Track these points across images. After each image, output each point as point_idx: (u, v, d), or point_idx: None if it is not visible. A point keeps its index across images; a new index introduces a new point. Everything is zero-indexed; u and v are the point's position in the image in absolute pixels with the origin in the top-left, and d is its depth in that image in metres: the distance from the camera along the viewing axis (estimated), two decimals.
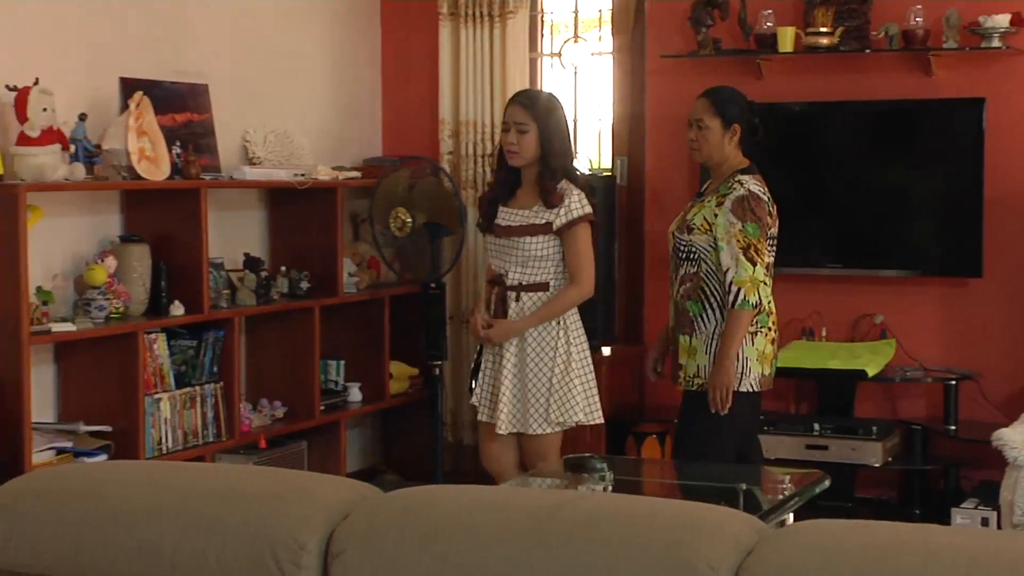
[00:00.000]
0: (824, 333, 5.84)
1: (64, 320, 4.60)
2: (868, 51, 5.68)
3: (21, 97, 4.42)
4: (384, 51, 6.49)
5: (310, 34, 6.07)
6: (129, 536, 2.27)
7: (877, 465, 5.43)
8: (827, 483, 4.18)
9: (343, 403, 5.79)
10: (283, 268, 5.61)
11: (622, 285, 6.10)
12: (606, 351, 5.86)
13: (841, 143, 5.86)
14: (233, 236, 5.54)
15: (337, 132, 6.22)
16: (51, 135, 4.47)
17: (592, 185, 4.86)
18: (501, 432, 4.61)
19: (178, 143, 5.13)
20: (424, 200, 5.38)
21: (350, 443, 5.84)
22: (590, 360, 4.65)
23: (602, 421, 4.72)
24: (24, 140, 4.44)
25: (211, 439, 5.14)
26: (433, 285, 5.41)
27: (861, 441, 5.43)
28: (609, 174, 6.10)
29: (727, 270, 4.38)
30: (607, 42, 6.30)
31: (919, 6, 5.58)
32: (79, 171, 4.58)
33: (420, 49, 6.37)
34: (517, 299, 4.57)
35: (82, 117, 4.67)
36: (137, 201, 5.07)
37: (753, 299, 4.37)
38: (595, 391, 4.65)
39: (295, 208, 5.68)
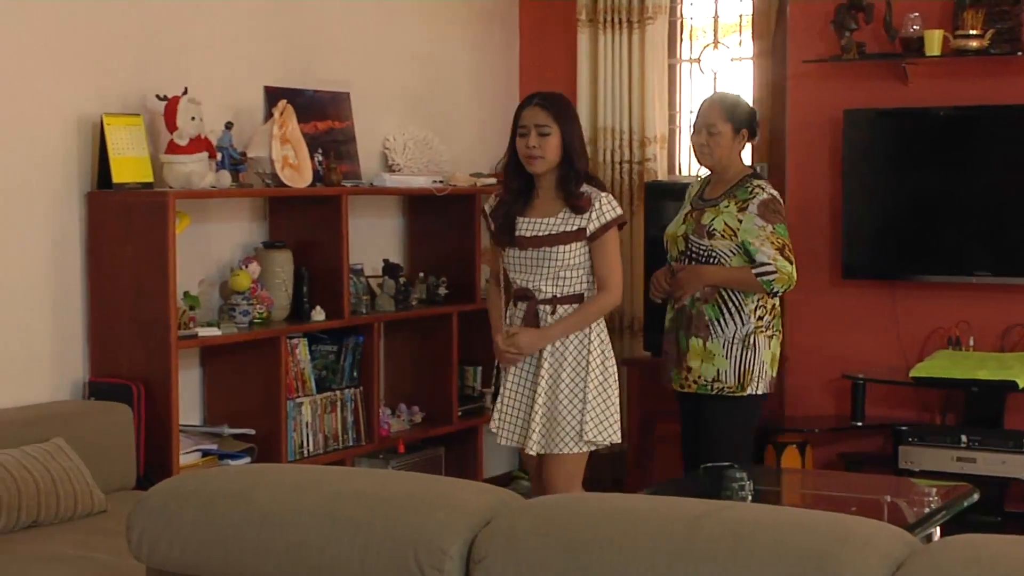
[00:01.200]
0: (971, 343, 5.69)
1: (210, 325, 4.70)
2: (1020, 54, 5.53)
3: (171, 106, 4.53)
4: (522, 58, 6.51)
5: (449, 42, 6.11)
6: (277, 537, 2.30)
7: None
8: (975, 497, 4.07)
9: (480, 409, 5.81)
10: (421, 274, 5.66)
11: None
12: None
13: (990, 148, 5.71)
14: (373, 242, 5.60)
15: (475, 138, 6.25)
16: (199, 143, 4.57)
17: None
18: (531, 453, 4.23)
19: (320, 151, 5.21)
20: None
21: (487, 448, 5.86)
22: (617, 374, 4.34)
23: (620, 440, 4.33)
24: (173, 148, 4.54)
25: (351, 443, 5.20)
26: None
27: (1011, 454, 5.28)
28: None
29: (766, 262, 4.45)
30: (747, 47, 6.23)
31: None
32: (225, 179, 4.67)
33: (558, 56, 6.37)
34: (553, 312, 4.21)
35: (228, 126, 4.76)
36: (280, 208, 5.15)
37: (778, 289, 4.45)
38: (618, 408, 4.30)
39: (434, 214, 5.73)
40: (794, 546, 2.08)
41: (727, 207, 4.52)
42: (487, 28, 6.33)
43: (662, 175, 6.18)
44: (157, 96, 4.56)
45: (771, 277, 4.44)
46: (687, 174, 6.29)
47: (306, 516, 2.33)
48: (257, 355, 4.83)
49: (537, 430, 4.20)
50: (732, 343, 4.50)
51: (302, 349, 5.03)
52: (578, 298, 4.22)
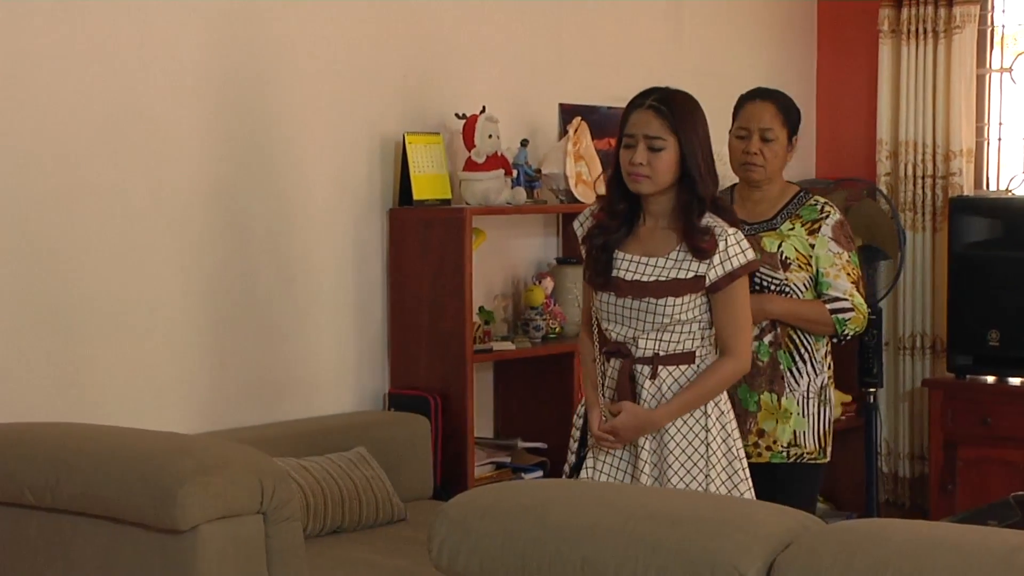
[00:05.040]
0: None
1: (504, 339, 4.77)
2: None
3: (469, 125, 4.62)
4: (819, 72, 6.37)
5: (743, 56, 6.03)
6: (572, 553, 2.31)
7: None
8: None
9: None
10: None
11: None
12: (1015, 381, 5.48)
13: None
14: None
15: None
16: (495, 161, 4.65)
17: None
18: None
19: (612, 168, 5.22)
20: (860, 223, 5.23)
21: None
22: (745, 459, 3.38)
23: None
24: (471, 166, 4.63)
25: None
26: (869, 309, 5.24)
27: None
28: None
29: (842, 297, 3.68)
30: None
31: None
32: (520, 195, 4.74)
33: (857, 68, 6.20)
34: (653, 376, 3.29)
35: (524, 143, 4.83)
36: None
37: (850, 331, 3.68)
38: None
39: None
40: None
41: (792, 230, 3.71)
42: (782, 41, 6.22)
43: (968, 190, 5.93)
44: (456, 115, 4.67)
45: (847, 316, 3.66)
46: (994, 189, 6.01)
47: (601, 533, 2.32)
48: (549, 370, 4.86)
49: None
50: (808, 398, 3.70)
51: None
52: (687, 358, 3.31)
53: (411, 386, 4.58)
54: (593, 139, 5.02)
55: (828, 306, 3.66)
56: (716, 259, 3.25)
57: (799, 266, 3.68)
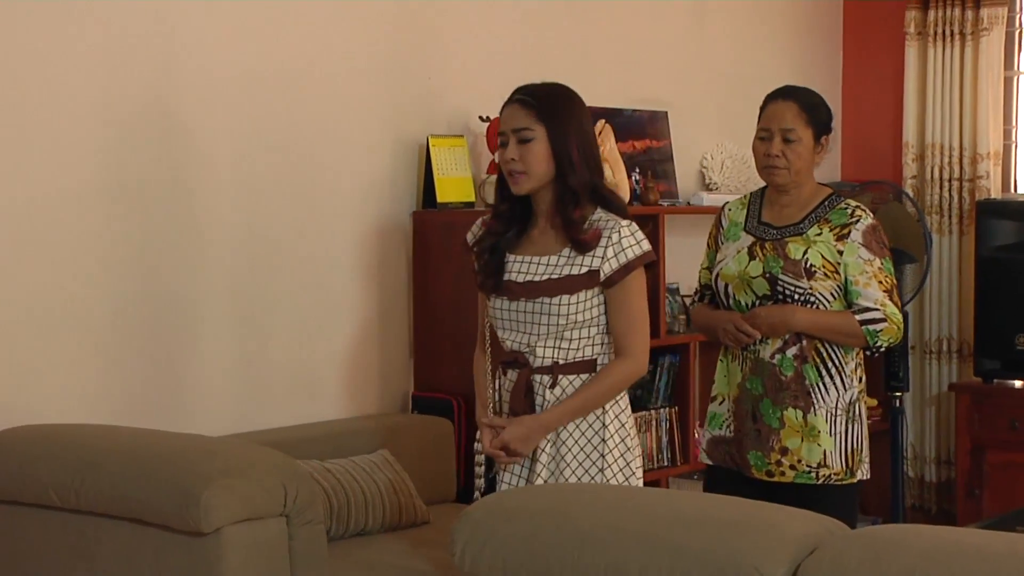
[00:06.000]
0: None
1: None
2: None
3: (492, 127, 4.61)
4: (845, 74, 6.34)
5: (768, 59, 6.01)
6: (596, 557, 2.30)
7: None
8: None
9: None
10: None
11: None
12: None
13: None
14: (689, 261, 5.54)
15: None
16: None
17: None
18: None
19: (637, 169, 5.21)
20: (886, 226, 5.18)
21: None
22: (641, 468, 3.25)
23: None
24: (495, 168, 4.62)
25: (666, 463, 5.17)
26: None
27: None
28: None
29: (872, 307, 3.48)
30: None
31: None
32: None
33: (883, 70, 6.18)
34: (553, 386, 3.14)
35: None
36: None
37: (883, 343, 3.48)
38: None
39: None
40: None
41: (819, 235, 3.53)
42: (808, 43, 6.20)
43: (995, 192, 5.89)
44: (480, 117, 4.66)
45: (878, 327, 3.46)
46: (1022, 192, 5.98)
47: (625, 537, 2.31)
48: None
49: None
50: (836, 415, 3.51)
51: None
52: (588, 366, 3.15)
53: (435, 388, 4.57)
54: (617, 142, 5.01)
55: (858, 317, 3.47)
56: (610, 251, 3.12)
57: (825, 274, 3.50)
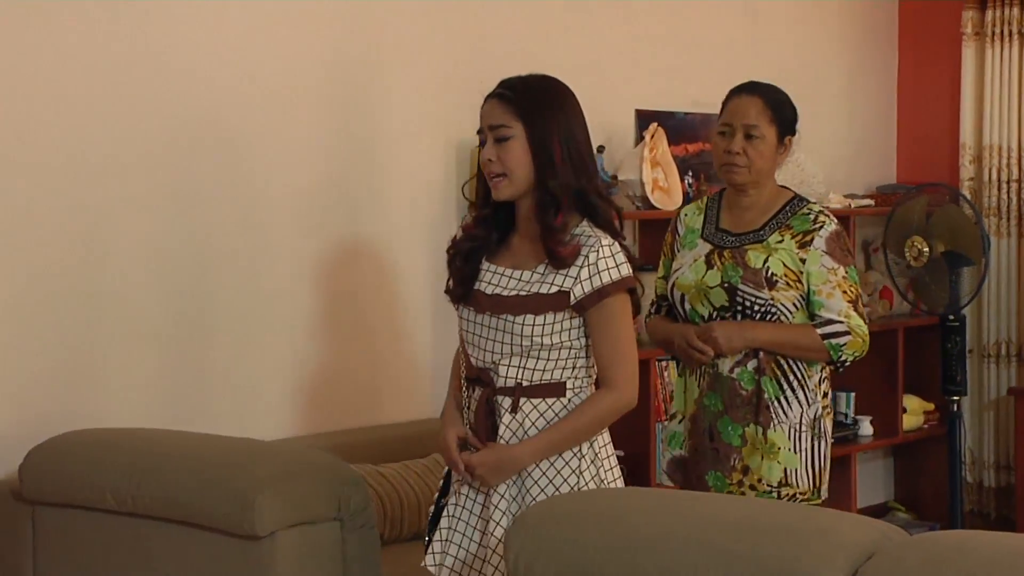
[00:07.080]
0: None
1: None
2: None
3: None
4: (901, 75, 6.28)
5: (822, 61, 5.97)
6: (648, 562, 2.28)
7: None
8: None
9: (854, 436, 5.62)
10: None
11: None
12: None
13: None
14: None
15: (849, 159, 6.07)
16: None
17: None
18: None
19: (690, 173, 5.19)
20: (943, 228, 5.17)
21: (860, 478, 5.65)
22: None
23: None
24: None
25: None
26: (952, 316, 5.17)
27: None
28: None
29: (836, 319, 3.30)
30: None
31: None
32: None
33: (940, 72, 6.11)
34: (513, 409, 2.82)
35: (600, 149, 4.80)
36: (651, 230, 5.14)
37: (847, 357, 3.29)
38: None
39: None
40: None
41: (780, 243, 3.32)
42: (862, 43, 6.14)
43: None
44: None
45: (842, 341, 3.28)
46: None
47: (678, 543, 2.29)
48: None
49: None
50: (800, 431, 3.31)
51: (671, 371, 5.00)
52: (556, 390, 2.83)
53: None
54: (670, 144, 4.99)
55: (820, 330, 3.28)
56: (584, 272, 2.78)
57: (787, 283, 3.30)
